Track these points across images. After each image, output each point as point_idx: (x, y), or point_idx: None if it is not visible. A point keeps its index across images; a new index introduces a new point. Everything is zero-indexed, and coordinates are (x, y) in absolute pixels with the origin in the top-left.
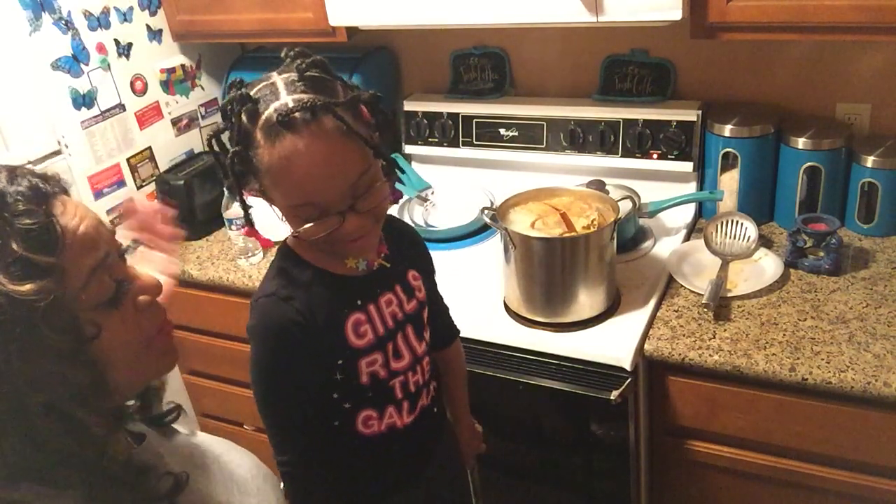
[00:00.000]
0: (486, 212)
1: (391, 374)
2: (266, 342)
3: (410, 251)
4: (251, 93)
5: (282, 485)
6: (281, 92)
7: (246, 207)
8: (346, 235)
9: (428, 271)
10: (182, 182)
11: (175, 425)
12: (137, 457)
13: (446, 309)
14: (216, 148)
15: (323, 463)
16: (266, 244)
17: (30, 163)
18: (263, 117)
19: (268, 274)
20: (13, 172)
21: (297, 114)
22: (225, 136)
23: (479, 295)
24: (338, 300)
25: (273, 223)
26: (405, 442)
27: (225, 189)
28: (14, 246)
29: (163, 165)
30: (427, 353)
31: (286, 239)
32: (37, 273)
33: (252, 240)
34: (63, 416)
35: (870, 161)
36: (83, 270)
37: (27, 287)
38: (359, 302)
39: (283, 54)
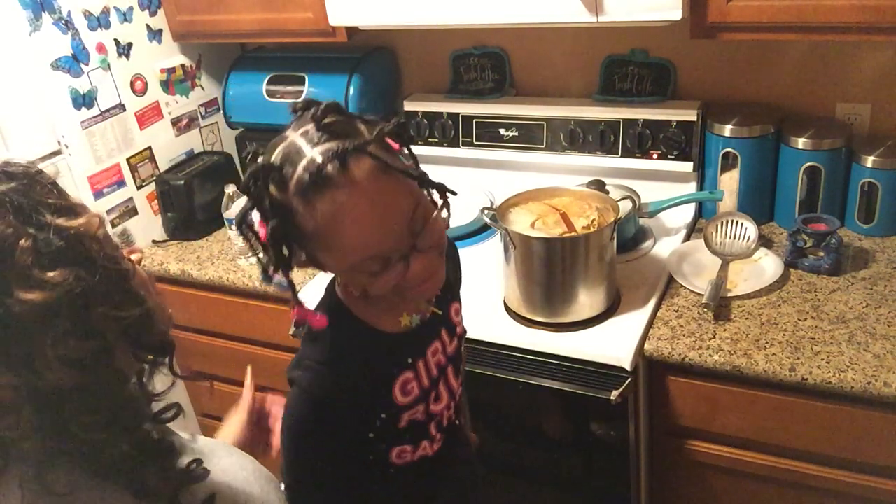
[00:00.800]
0: (486, 212)
1: (429, 416)
2: (309, 408)
3: (452, 274)
4: (272, 160)
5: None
6: (304, 149)
7: (293, 286)
8: (415, 279)
9: (459, 279)
10: (182, 182)
11: (175, 429)
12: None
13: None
14: (247, 231)
15: (347, 490)
16: (320, 323)
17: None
18: (294, 181)
19: (321, 329)
20: None
21: (328, 167)
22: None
23: (478, 295)
24: (388, 362)
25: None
26: (434, 464)
27: (239, 233)
28: (50, 199)
29: (163, 165)
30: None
31: (335, 288)
32: (79, 212)
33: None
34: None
35: (870, 161)
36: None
37: (80, 221)
38: (409, 360)
39: (290, 109)
